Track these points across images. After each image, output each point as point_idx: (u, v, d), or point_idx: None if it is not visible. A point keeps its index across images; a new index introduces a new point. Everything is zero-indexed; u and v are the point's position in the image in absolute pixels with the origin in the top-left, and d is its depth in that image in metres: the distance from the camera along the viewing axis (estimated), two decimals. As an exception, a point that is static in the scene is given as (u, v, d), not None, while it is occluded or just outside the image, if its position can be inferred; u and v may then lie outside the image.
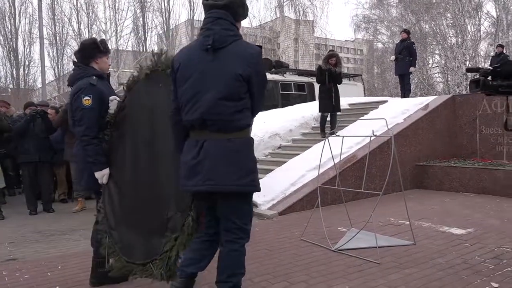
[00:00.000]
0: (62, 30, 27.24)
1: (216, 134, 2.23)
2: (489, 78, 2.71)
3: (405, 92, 10.23)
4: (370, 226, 3.94)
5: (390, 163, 4.04)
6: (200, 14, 31.68)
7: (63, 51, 27.77)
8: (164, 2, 29.56)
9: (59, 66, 28.96)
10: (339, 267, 3.39)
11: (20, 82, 28.99)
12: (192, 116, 2.26)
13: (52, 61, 28.87)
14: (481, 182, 6.24)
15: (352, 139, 6.14)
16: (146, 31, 28.01)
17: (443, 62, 25.53)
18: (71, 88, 3.12)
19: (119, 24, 23.61)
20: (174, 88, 2.36)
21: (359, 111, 8.71)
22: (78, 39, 24.74)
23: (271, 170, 6.66)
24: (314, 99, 11.72)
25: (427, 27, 25.80)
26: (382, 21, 28.78)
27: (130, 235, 2.78)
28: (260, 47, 2.83)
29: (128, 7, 24.18)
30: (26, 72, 29.07)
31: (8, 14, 27.65)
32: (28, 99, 19.74)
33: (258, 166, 2.54)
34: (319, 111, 8.05)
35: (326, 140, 4.56)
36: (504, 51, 13.21)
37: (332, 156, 4.58)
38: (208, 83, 2.22)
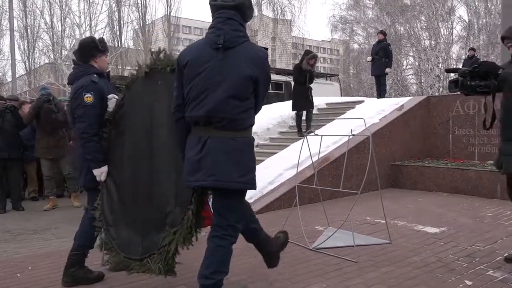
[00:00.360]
0: (34, 22, 26.32)
1: (220, 132, 2.28)
2: (468, 78, 2.76)
3: (381, 92, 10.38)
4: (347, 225, 3.97)
5: (368, 162, 4.08)
6: (176, 11, 31.38)
7: (35, 44, 26.87)
8: (140, -4, 29.03)
9: (30, 60, 28.06)
10: (317, 266, 3.40)
11: (-11, 75, 27.99)
12: (198, 112, 2.29)
13: (23, 55, 27.91)
14: (454, 181, 6.39)
15: (329, 138, 6.18)
16: (122, 26, 27.43)
17: (417, 64, 26.12)
18: (70, 87, 3.14)
19: (94, 18, 22.98)
20: (179, 84, 2.38)
21: (336, 110, 8.78)
22: (51, 32, 23.99)
23: (248, 169, 6.62)
24: (291, 98, 11.75)
25: (402, 29, 26.32)
26: (358, 22, 29.17)
27: (128, 231, 2.80)
28: (266, 49, 3.02)
29: (103, 0, 23.54)
30: (-5, 65, 28.07)
31: (-23, 5, 26.62)
32: (-3, 93, 19.13)
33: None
34: (294, 110, 8.06)
35: (305, 139, 4.56)
36: (476, 55, 13.57)
37: (311, 155, 4.59)
38: (217, 81, 2.26)
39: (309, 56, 8.03)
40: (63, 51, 23.72)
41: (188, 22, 58.11)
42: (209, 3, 2.36)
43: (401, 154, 7.32)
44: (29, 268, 3.54)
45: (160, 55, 2.74)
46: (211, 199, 2.57)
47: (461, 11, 35.82)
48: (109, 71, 3.43)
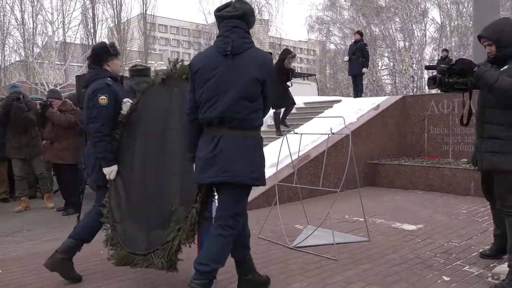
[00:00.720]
0: (4, 19, 25.41)
1: (233, 131, 2.45)
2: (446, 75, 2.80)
3: (358, 92, 10.50)
4: (327, 223, 3.98)
5: (347, 161, 4.10)
6: (153, 9, 31.01)
7: (5, 41, 25.90)
8: (115, -6, 28.49)
9: (0, 57, 27.17)
10: (298, 265, 3.39)
11: (-43, 73, 26.91)
12: (211, 114, 2.46)
13: (-8, 52, 27.02)
14: (429, 179, 6.51)
15: (308, 137, 6.18)
16: (96, 23, 26.86)
17: (391, 64, 26.60)
18: (84, 90, 3.34)
19: (67, 15, 22.46)
20: (192, 88, 2.56)
21: (315, 109, 8.83)
22: (22, 29, 23.34)
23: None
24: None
25: (377, 30, 26.78)
26: (334, 23, 29.50)
27: (134, 228, 2.90)
28: (271, 53, 3.30)
29: (77, -3, 22.98)
30: (-37, 62, 27.01)
31: None
32: (-35, 91, 18.39)
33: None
34: (275, 108, 8.05)
35: (284, 137, 4.55)
36: (449, 56, 13.90)
37: (290, 154, 4.58)
38: (228, 84, 2.44)
39: (291, 55, 8.18)
40: (35, 48, 23.10)
41: (164, 21, 57.54)
42: (215, 14, 2.54)
43: (378, 153, 7.41)
44: (0, 272, 3.41)
45: (177, 65, 2.94)
46: (213, 202, 2.77)
47: (434, 13, 36.71)
48: (122, 76, 3.59)
